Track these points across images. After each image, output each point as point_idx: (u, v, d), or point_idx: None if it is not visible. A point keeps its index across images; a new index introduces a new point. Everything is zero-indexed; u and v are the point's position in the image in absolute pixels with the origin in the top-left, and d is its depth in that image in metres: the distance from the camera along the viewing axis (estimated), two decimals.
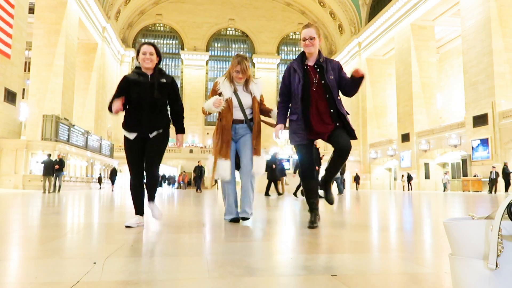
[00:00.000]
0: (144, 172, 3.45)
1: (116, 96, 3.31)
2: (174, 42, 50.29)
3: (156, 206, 3.52)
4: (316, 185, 3.44)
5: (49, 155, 16.82)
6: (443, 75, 38.72)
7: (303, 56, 3.34)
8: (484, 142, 24.40)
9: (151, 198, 3.49)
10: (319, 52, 3.32)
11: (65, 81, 28.68)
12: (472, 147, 25.34)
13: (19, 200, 8.65)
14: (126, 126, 3.36)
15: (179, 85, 49.90)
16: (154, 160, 3.38)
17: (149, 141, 3.37)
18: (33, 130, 26.10)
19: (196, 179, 20.38)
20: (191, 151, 41.95)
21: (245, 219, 3.72)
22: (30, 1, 26.34)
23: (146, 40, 3.49)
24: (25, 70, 27.55)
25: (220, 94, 3.68)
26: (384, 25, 36.72)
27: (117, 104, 3.21)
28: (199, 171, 21.11)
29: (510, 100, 23.67)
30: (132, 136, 3.35)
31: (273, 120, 3.69)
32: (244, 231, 3.14)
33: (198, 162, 22.49)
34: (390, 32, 36.12)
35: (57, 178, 16.23)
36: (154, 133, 3.36)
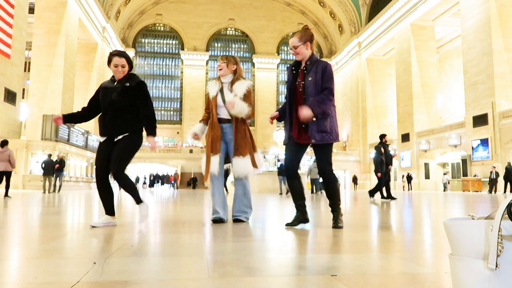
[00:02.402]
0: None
1: (90, 100, 3.58)
2: (174, 42, 50.30)
3: (144, 208, 3.47)
4: (299, 186, 3.43)
5: (50, 155, 16.82)
6: (443, 75, 38.72)
7: (299, 61, 3.45)
8: (484, 142, 24.40)
9: (136, 201, 3.50)
10: (312, 54, 3.39)
11: (65, 81, 28.69)
12: (472, 147, 25.34)
13: (19, 200, 8.65)
14: (99, 131, 3.53)
15: (179, 85, 50.04)
16: (115, 161, 3.39)
17: (116, 145, 3.44)
18: (33, 130, 26.11)
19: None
20: (191, 151, 41.95)
21: (237, 220, 3.68)
22: (30, 1, 26.35)
23: (116, 50, 3.50)
24: (25, 70, 27.56)
25: (208, 95, 3.80)
26: (384, 25, 36.72)
27: (56, 117, 3.51)
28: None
29: (510, 100, 23.67)
30: (102, 139, 3.49)
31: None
32: (244, 231, 3.14)
33: None
34: (390, 32, 36.12)
35: (57, 178, 16.22)
36: (120, 137, 3.41)
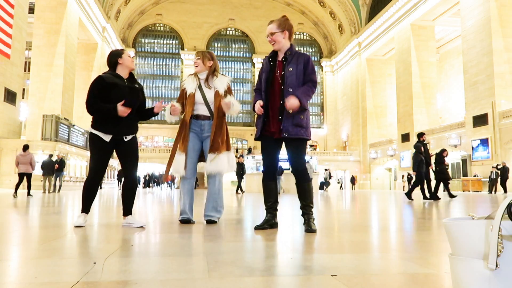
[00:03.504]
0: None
1: (97, 96, 3.33)
2: (174, 42, 50.29)
3: (136, 219, 3.41)
4: (275, 189, 3.27)
5: (51, 156, 16.82)
6: (443, 75, 38.73)
7: (276, 52, 3.28)
8: (484, 142, 24.40)
9: (129, 211, 3.40)
10: (291, 45, 3.23)
11: (65, 81, 28.69)
12: (472, 147, 25.35)
13: (19, 200, 8.65)
14: (102, 127, 3.35)
15: (179, 85, 50.08)
16: (134, 163, 3.46)
17: (125, 145, 3.43)
18: (33, 130, 26.11)
19: (238, 177, 16.97)
20: None
21: (210, 222, 3.56)
22: (30, 1, 26.34)
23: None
24: (25, 70, 27.55)
25: (184, 91, 3.66)
26: (384, 25, 36.73)
27: (123, 108, 3.26)
28: (240, 168, 17.09)
29: (510, 100, 23.67)
30: (107, 138, 3.36)
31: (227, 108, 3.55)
32: (244, 231, 3.14)
33: (239, 158, 18.40)
34: (390, 32, 36.13)
35: (57, 178, 16.22)
36: (130, 137, 3.44)
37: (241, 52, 51.29)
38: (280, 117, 3.09)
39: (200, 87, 3.63)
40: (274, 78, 3.18)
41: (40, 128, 24.41)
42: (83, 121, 33.66)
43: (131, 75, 3.50)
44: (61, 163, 16.39)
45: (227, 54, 50.70)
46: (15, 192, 11.07)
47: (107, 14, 38.10)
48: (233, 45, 51.50)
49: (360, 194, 17.93)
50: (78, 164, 28.19)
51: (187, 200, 3.61)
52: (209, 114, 3.60)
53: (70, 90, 30.02)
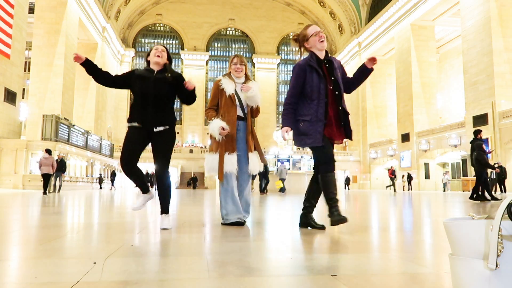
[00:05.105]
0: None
1: (116, 75, 3.41)
2: (174, 42, 50.33)
3: (168, 219, 3.29)
4: (334, 179, 3.24)
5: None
6: (443, 75, 38.73)
7: (315, 55, 3.20)
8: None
9: (165, 209, 3.30)
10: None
11: (65, 81, 28.70)
12: None
13: (19, 200, 8.65)
14: (131, 118, 3.31)
15: None
16: (161, 160, 3.30)
17: (156, 138, 3.29)
18: (33, 130, 26.13)
19: (261, 178, 16.57)
20: (191, 151, 41.96)
21: (242, 223, 3.54)
22: (30, 1, 26.37)
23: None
24: (25, 70, 27.57)
25: (222, 90, 3.66)
26: (384, 25, 36.73)
27: (78, 56, 3.23)
28: (264, 168, 16.71)
29: (510, 100, 23.67)
30: (136, 125, 3.28)
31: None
32: (244, 231, 3.14)
33: None
34: (390, 32, 36.13)
35: (57, 178, 16.22)
36: (160, 128, 3.27)
37: (241, 52, 51.28)
38: (342, 123, 3.17)
39: (235, 90, 3.71)
40: (328, 82, 3.13)
41: (40, 128, 24.43)
42: (83, 121, 33.67)
43: (165, 66, 3.43)
44: (61, 163, 16.39)
45: (227, 54, 50.68)
46: (44, 191, 12.84)
47: (107, 14, 38.10)
48: (233, 45, 51.52)
49: (360, 194, 17.93)
50: (78, 164, 28.19)
51: (238, 198, 3.60)
52: (243, 115, 3.71)
53: (70, 90, 30.03)
